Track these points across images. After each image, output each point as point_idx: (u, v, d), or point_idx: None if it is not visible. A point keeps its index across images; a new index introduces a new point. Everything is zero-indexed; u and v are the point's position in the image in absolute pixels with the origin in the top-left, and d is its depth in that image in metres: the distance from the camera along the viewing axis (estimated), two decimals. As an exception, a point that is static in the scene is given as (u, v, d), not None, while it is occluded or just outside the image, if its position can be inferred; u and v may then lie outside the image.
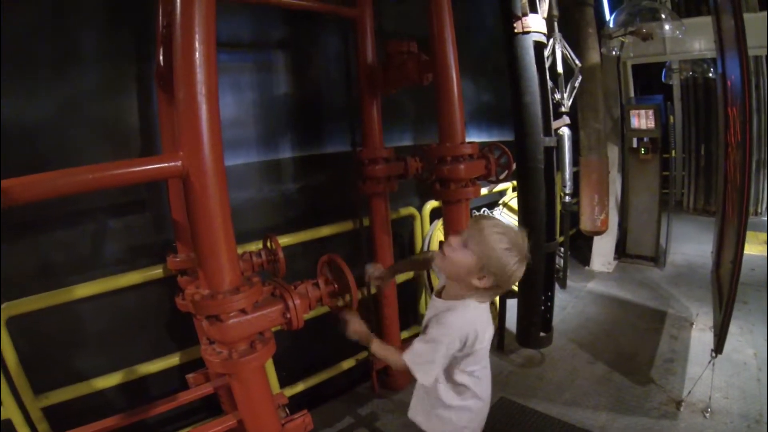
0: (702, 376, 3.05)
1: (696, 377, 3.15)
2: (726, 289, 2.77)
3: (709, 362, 2.95)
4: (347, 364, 3.36)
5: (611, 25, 5.12)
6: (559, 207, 4.55)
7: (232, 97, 2.81)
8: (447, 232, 2.80)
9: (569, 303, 4.80)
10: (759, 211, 8.34)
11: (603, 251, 5.71)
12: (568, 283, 5.20)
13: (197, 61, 1.25)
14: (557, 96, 4.19)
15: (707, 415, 2.88)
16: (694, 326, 4.11)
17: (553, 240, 3.75)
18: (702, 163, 8.90)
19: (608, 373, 3.47)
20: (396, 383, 3.30)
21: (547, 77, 3.49)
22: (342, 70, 3.28)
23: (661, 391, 3.20)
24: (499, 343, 3.84)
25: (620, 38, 5.28)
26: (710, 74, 7.90)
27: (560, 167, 4.53)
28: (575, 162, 5.02)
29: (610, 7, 6.48)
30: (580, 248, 6.17)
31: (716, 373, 2.98)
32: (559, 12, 4.13)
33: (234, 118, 2.84)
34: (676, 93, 8.69)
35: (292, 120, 3.14)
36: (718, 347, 2.77)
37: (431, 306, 1.62)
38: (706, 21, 4.20)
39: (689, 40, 5.33)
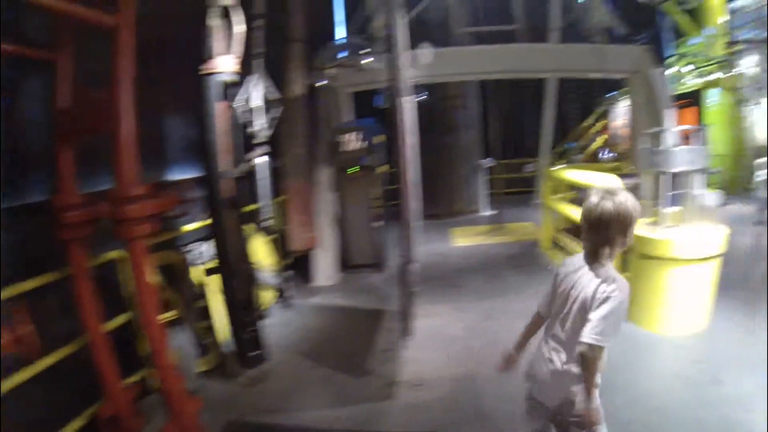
0: (417, 356, 3.57)
1: (411, 359, 3.68)
2: (405, 280, 3.35)
3: (403, 343, 3.48)
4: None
5: (324, 58, 5.75)
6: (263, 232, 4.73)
7: None
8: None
9: (293, 319, 4.97)
10: (476, 209, 10.40)
11: (325, 266, 6.05)
12: (294, 301, 5.35)
13: None
14: (256, 127, 4.08)
15: (420, 386, 3.39)
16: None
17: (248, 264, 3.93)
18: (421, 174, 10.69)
19: (331, 374, 3.76)
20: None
21: (237, 113, 3.69)
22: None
23: (380, 378, 3.63)
24: (221, 369, 3.80)
25: (331, 70, 5.96)
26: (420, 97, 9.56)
27: (259, 194, 4.40)
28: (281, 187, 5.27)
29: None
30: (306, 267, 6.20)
31: (431, 349, 3.54)
32: (268, 48, 4.30)
33: None
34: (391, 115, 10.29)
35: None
36: (405, 330, 3.30)
37: None
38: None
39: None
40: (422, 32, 8.19)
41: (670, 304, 3.92)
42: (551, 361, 1.80)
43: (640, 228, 4.13)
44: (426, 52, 4.58)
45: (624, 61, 6.35)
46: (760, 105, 14.06)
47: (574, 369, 1.72)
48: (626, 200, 1.62)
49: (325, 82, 5.73)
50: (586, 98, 13.43)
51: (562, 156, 11.37)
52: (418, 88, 10.30)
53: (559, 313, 1.81)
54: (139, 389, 3.22)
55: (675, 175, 4.00)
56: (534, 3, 8.55)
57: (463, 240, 8.13)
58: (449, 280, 5.90)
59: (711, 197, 4.09)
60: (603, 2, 7.81)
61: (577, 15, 7.64)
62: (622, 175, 4.82)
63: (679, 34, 17.81)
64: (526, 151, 11.81)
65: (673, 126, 3.99)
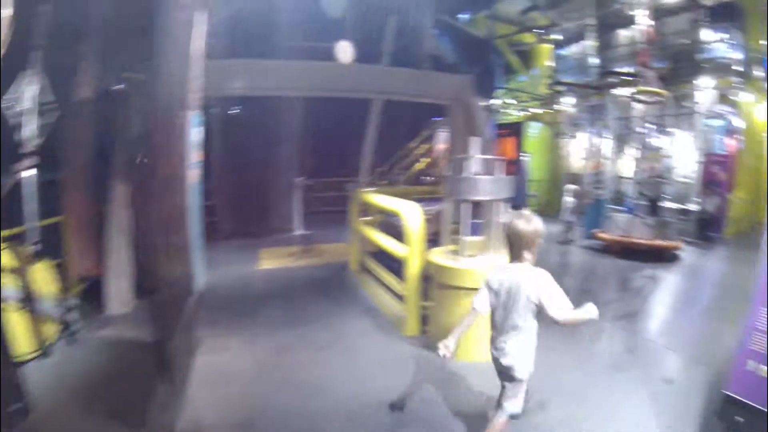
0: (197, 400, 3.05)
1: (190, 404, 3.13)
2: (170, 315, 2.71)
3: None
4: None
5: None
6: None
7: None
8: None
9: (76, 357, 4.00)
10: (290, 227, 10.09)
11: (118, 292, 5.10)
12: (81, 334, 4.36)
13: None
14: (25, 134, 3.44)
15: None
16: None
17: None
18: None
19: (102, 425, 3.03)
20: None
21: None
22: None
23: (155, 428, 2.96)
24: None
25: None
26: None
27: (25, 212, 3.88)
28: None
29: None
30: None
31: (213, 391, 3.05)
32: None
33: None
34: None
35: None
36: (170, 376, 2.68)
37: None
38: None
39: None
40: (245, 42, 7.83)
41: (471, 331, 3.89)
42: (506, 336, 2.48)
43: (441, 257, 4.11)
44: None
45: (445, 89, 6.62)
46: (575, 138, 16.46)
47: (514, 340, 2.47)
48: (532, 220, 2.45)
49: (122, 86, 4.83)
50: (415, 119, 14.22)
51: (384, 176, 11.62)
52: (231, 101, 9.79)
53: (498, 304, 2.49)
54: None
55: (478, 204, 4.04)
56: (367, 24, 8.60)
57: (270, 262, 7.68)
58: (245, 308, 5.30)
59: None
60: (435, 32, 8.18)
61: (409, 40, 7.84)
62: (433, 200, 4.87)
63: (510, 71, 20.17)
64: (347, 169, 11.75)
65: (478, 154, 4.01)
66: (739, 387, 2.83)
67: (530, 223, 2.43)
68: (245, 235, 9.44)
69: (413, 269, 4.41)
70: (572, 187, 9.00)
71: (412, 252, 4.41)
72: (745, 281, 6.90)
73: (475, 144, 4.05)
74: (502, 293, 2.45)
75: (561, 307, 2.32)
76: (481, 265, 3.86)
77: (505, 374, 2.54)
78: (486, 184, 3.88)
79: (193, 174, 4.03)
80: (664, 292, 6.34)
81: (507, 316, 2.44)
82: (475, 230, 4.13)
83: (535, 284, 2.37)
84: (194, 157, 4.13)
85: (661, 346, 4.37)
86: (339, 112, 12.11)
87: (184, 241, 3.80)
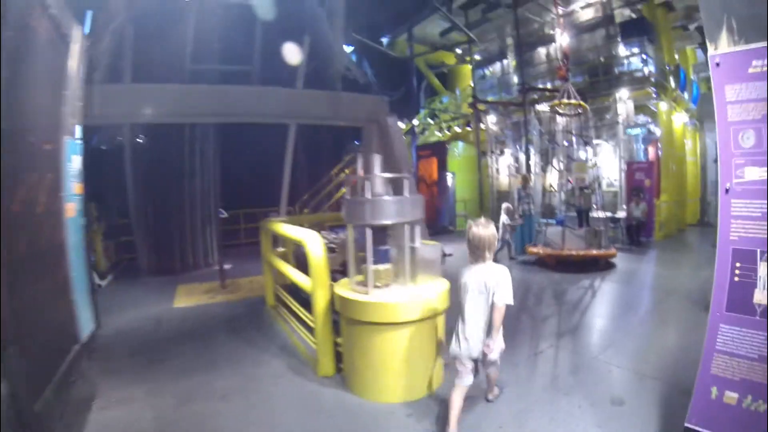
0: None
1: None
2: None
3: None
4: None
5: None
6: None
7: None
8: None
9: None
10: (210, 262, 9.59)
11: None
12: None
13: None
14: None
15: None
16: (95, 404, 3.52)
17: None
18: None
19: None
20: None
21: None
22: None
23: None
24: None
25: None
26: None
27: None
28: None
29: None
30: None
31: None
32: None
33: None
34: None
35: None
36: None
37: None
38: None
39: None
40: (145, 65, 7.20)
41: (388, 370, 3.33)
42: (474, 326, 2.86)
43: (345, 289, 3.57)
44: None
45: (359, 110, 6.24)
46: (502, 155, 16.68)
47: (483, 329, 2.85)
48: (489, 226, 2.91)
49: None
50: (340, 144, 13.90)
51: (306, 204, 11.17)
52: (140, 129, 9.04)
53: (468, 299, 2.87)
54: None
55: (386, 228, 3.54)
56: (275, 45, 8.18)
57: (186, 300, 6.97)
58: (155, 352, 4.68)
59: (430, 250, 3.74)
60: (350, 53, 7.88)
61: (322, 62, 7.43)
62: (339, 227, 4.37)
63: (432, 92, 20.49)
64: (270, 199, 11.33)
65: (380, 172, 3.53)
66: (703, 419, 2.41)
67: (488, 228, 2.88)
68: (166, 272, 8.91)
69: (320, 303, 3.80)
70: (505, 205, 8.82)
71: (315, 284, 3.83)
72: (680, 283, 6.82)
73: (377, 162, 3.57)
74: (473, 290, 2.85)
75: (502, 297, 2.76)
76: (389, 297, 3.31)
77: (479, 360, 2.92)
78: (390, 206, 3.36)
79: (70, 207, 3.38)
80: (603, 303, 6.07)
81: (476, 309, 2.84)
82: (382, 258, 3.61)
83: (495, 277, 2.79)
84: (72, 188, 3.43)
85: (605, 362, 3.99)
86: (259, 138, 11.50)
87: (62, 282, 3.24)
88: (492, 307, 2.75)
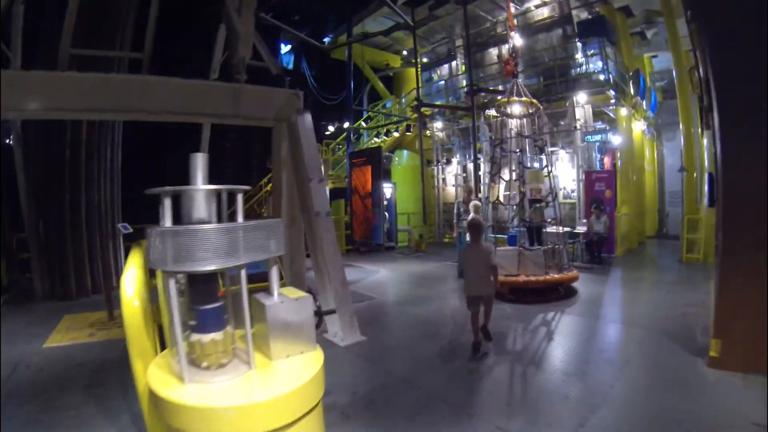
0: None
1: None
2: None
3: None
4: None
5: None
6: None
7: None
8: None
9: None
10: (110, 285, 7.85)
11: None
12: None
13: None
14: None
15: None
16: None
17: None
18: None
19: None
20: None
21: None
22: None
23: None
24: None
25: None
26: None
27: None
28: None
29: None
30: None
31: None
32: None
33: None
34: None
35: None
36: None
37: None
38: None
39: None
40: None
41: None
42: (480, 278, 4.60)
43: (159, 373, 2.08)
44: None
45: (268, 107, 4.90)
46: (448, 165, 15.54)
47: (486, 279, 4.61)
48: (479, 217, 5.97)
49: None
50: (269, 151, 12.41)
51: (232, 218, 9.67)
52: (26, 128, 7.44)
53: (472, 262, 4.67)
54: None
55: (212, 276, 2.09)
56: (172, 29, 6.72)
57: (62, 337, 5.50)
58: None
59: (294, 306, 2.28)
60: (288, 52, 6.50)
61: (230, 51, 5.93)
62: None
63: (376, 97, 19.30)
64: None
65: (203, 184, 2.08)
66: None
67: (477, 217, 5.66)
68: (61, 296, 7.74)
69: (141, 382, 2.31)
70: (473, 203, 7.66)
71: (132, 350, 2.35)
72: (655, 312, 5.60)
73: (199, 164, 2.12)
74: (475, 260, 4.63)
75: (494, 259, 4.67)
76: (214, 395, 1.84)
77: (480, 297, 4.68)
78: (210, 240, 1.92)
79: None
80: (565, 351, 4.75)
81: (478, 272, 4.61)
82: (211, 321, 2.11)
83: (488, 251, 4.67)
84: None
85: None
86: (174, 139, 9.84)
87: None
88: (491, 268, 4.63)
